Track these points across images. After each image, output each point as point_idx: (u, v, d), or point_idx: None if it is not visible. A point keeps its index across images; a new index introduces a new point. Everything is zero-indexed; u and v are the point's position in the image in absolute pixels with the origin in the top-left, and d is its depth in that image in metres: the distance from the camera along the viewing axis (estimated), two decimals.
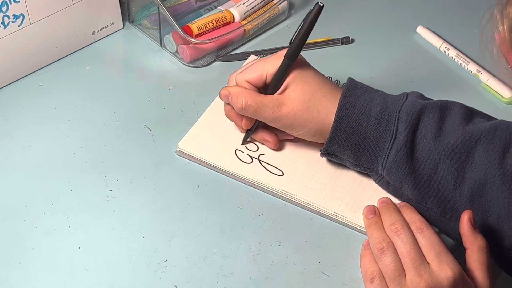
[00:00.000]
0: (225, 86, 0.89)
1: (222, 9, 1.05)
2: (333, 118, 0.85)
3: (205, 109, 0.95)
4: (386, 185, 0.87)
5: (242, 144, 0.92)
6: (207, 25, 1.02)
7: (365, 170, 0.88)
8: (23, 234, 0.83)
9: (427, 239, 0.77)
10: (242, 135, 0.92)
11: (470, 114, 0.86)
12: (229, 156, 0.91)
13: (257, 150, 0.91)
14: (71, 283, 0.80)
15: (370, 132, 0.85)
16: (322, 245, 0.85)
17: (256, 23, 1.05)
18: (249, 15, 1.05)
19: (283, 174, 0.89)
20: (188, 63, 1.02)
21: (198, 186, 0.89)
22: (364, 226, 0.82)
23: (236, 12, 1.04)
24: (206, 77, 1.01)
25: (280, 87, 0.87)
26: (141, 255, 0.83)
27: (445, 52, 1.05)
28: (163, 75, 1.01)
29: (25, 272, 0.80)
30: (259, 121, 0.90)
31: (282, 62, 0.86)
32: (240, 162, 0.90)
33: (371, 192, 0.88)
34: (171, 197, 0.88)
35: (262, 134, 0.91)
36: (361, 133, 0.85)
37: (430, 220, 0.85)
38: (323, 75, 0.89)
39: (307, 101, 0.86)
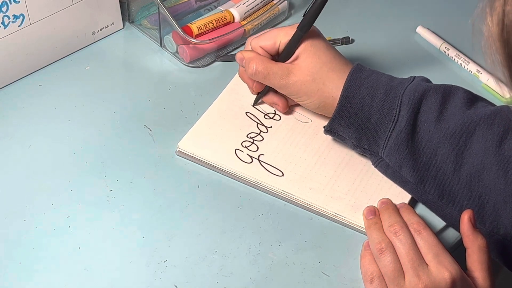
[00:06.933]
0: (241, 50, 0.94)
1: (222, 9, 1.05)
2: (339, 93, 0.87)
3: (205, 109, 0.95)
4: (385, 168, 0.88)
5: (252, 106, 0.96)
6: (207, 25, 1.02)
7: (365, 151, 0.89)
8: (23, 234, 0.83)
9: (425, 240, 0.77)
10: (242, 136, 0.92)
11: (473, 99, 0.87)
12: (229, 156, 0.90)
13: (257, 150, 0.91)
14: (71, 283, 0.80)
15: (373, 114, 0.86)
16: (322, 245, 0.85)
17: (256, 23, 1.05)
18: (249, 15, 1.05)
19: (283, 174, 0.89)
20: (188, 63, 1.02)
21: (198, 186, 0.89)
22: (364, 227, 0.82)
23: (236, 12, 1.04)
24: (206, 77, 1.01)
25: (291, 56, 0.90)
26: (141, 255, 0.83)
27: (445, 52, 1.05)
28: (163, 75, 1.01)
29: (25, 272, 0.80)
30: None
31: (295, 33, 0.89)
32: (240, 162, 0.90)
33: (371, 192, 0.88)
34: (171, 197, 0.88)
35: (272, 98, 0.94)
36: (365, 114, 0.86)
37: (428, 204, 0.86)
38: (335, 49, 0.91)
39: (315, 72, 0.88)
